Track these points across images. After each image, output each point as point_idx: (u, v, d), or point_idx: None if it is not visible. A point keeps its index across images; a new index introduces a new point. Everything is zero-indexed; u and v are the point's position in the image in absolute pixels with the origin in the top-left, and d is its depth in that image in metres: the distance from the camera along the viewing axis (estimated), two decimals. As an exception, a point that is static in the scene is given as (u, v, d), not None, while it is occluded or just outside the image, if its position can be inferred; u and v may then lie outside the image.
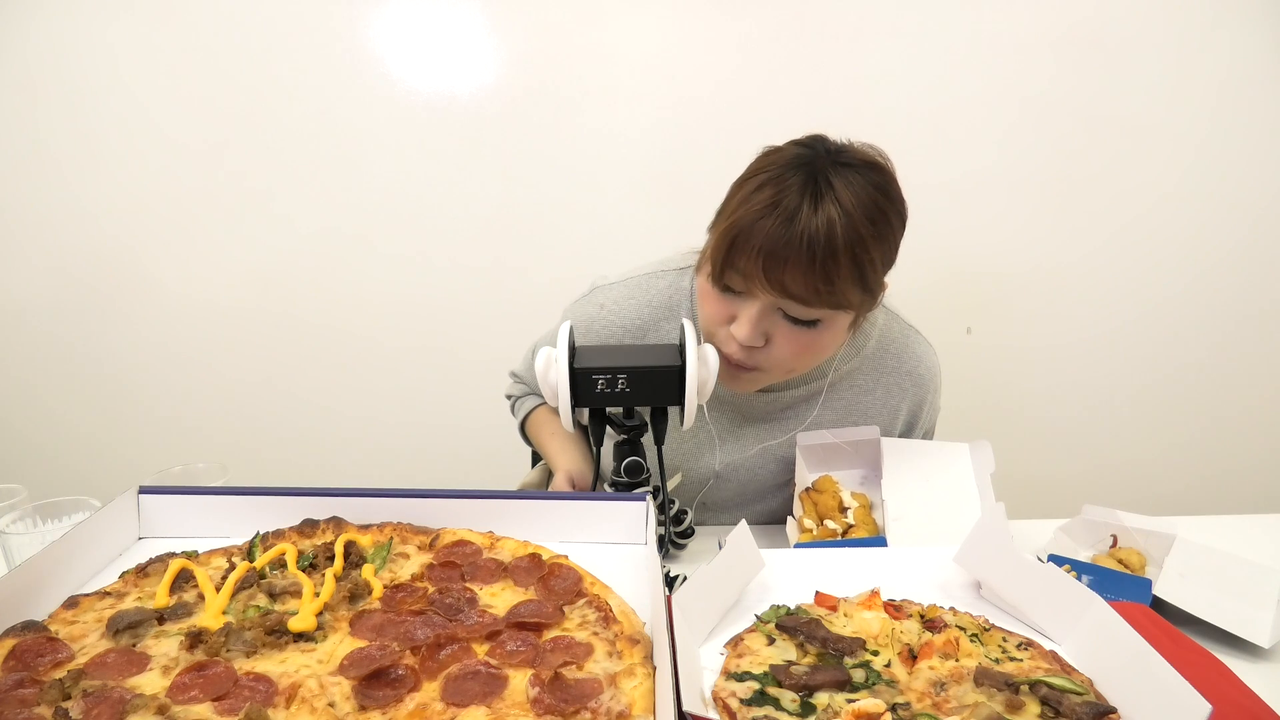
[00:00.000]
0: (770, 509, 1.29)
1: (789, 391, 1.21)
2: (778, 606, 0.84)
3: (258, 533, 0.92)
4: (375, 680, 0.69)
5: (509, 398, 1.43)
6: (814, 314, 0.99)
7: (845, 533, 1.09)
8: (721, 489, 1.28)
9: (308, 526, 0.93)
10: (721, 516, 1.30)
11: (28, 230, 1.97)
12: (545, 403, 1.33)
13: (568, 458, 1.20)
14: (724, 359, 1.06)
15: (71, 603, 0.80)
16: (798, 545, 1.06)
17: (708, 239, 1.06)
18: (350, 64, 1.88)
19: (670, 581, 0.95)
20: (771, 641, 0.79)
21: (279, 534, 0.92)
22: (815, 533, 1.10)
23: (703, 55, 1.83)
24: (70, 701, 0.65)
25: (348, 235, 1.99)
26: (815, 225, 0.92)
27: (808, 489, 1.16)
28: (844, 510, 1.12)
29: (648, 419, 1.03)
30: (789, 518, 1.14)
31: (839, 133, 2.00)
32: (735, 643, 0.79)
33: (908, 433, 1.28)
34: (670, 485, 1.08)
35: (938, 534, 1.01)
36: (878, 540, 1.05)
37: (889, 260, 1.02)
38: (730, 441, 1.26)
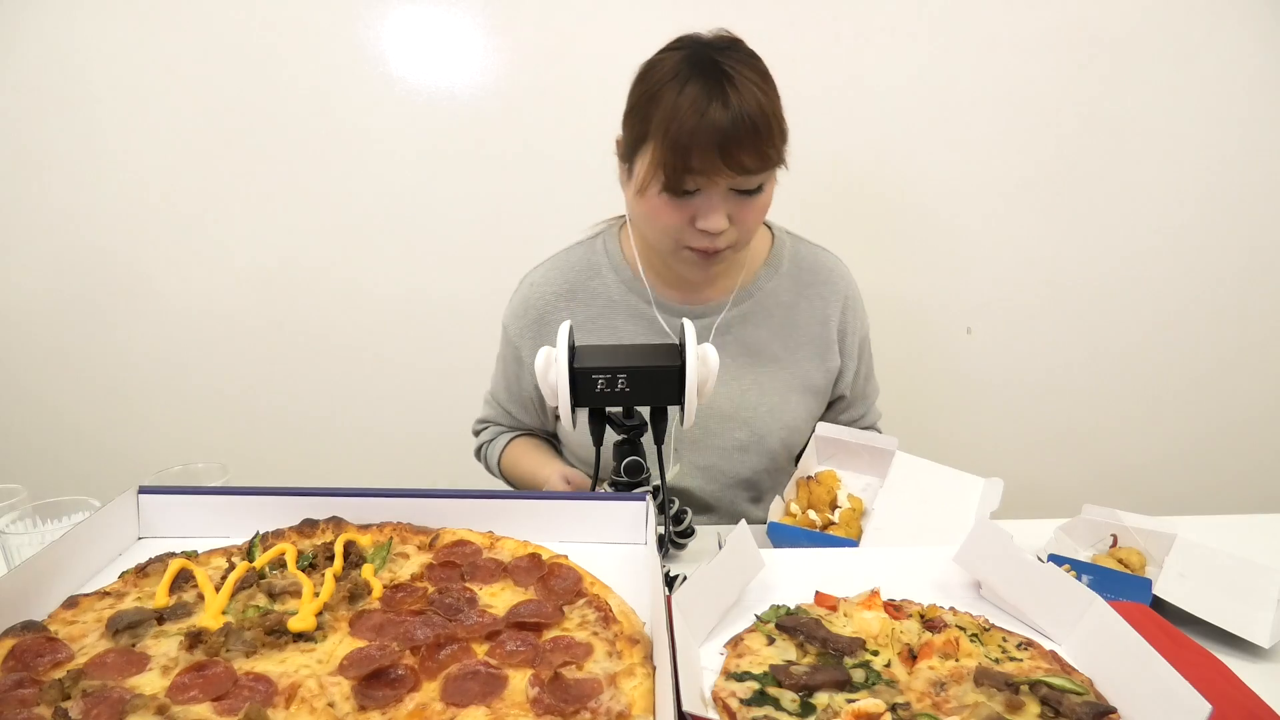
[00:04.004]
0: (736, 464, 1.29)
1: (722, 315, 1.28)
2: (778, 606, 0.84)
3: (257, 533, 0.92)
4: (375, 680, 0.69)
5: (478, 451, 1.45)
6: (760, 179, 1.11)
7: (825, 528, 1.10)
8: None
9: (307, 526, 0.93)
10: (688, 456, 1.29)
11: (27, 230, 1.97)
12: (517, 435, 1.38)
13: (552, 467, 1.24)
14: (696, 255, 1.15)
15: (71, 603, 0.80)
16: (770, 524, 1.08)
17: (636, 167, 1.13)
18: (350, 64, 1.87)
19: (670, 581, 0.95)
20: (771, 641, 0.79)
21: (279, 534, 0.92)
22: (797, 518, 1.11)
23: (703, 55, 1.83)
24: (70, 701, 0.65)
25: (347, 235, 1.99)
26: (746, 103, 1.04)
27: (809, 477, 1.17)
28: (834, 508, 1.13)
29: (648, 419, 1.03)
30: (777, 497, 1.15)
31: (841, 134, 2.00)
32: (735, 643, 0.79)
33: (842, 339, 1.33)
34: (670, 474, 1.08)
35: (904, 542, 1.03)
36: (849, 543, 1.05)
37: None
38: None
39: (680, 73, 1.07)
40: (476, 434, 1.47)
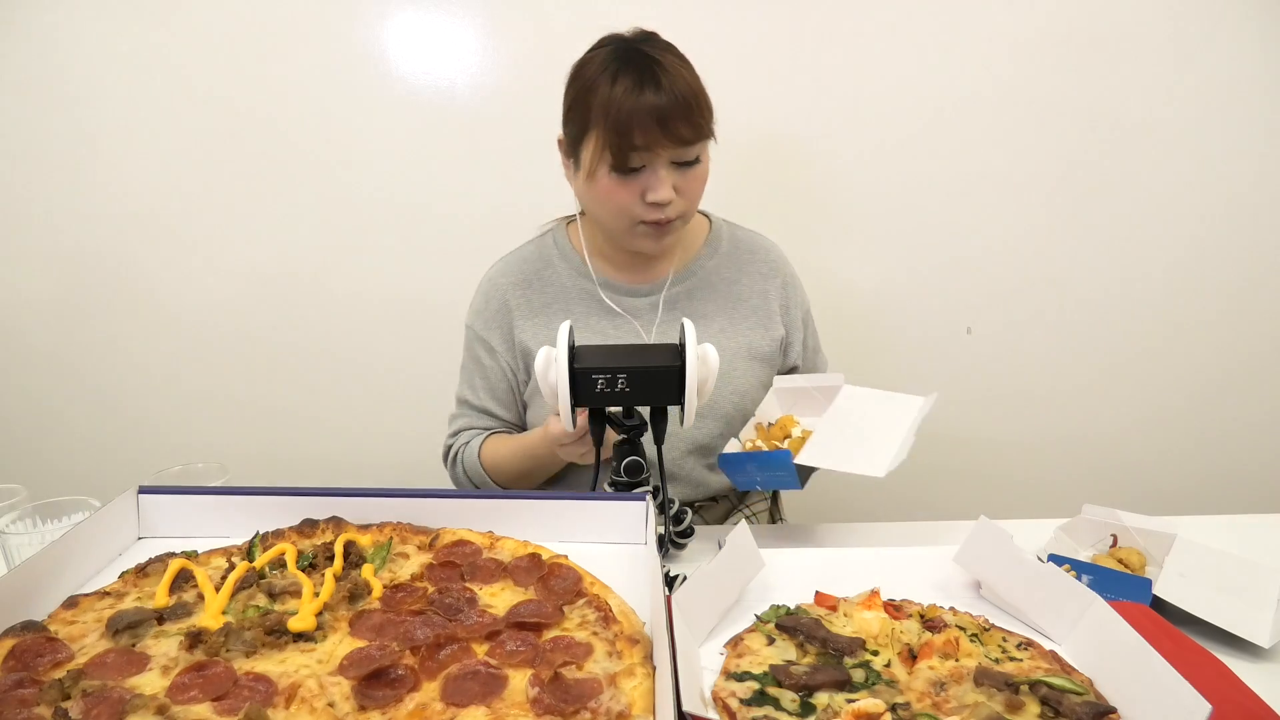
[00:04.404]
0: (691, 430, 1.32)
1: (673, 289, 1.36)
2: (778, 606, 0.84)
3: (257, 533, 0.92)
4: (375, 680, 0.69)
5: (453, 463, 1.39)
6: (697, 150, 1.21)
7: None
8: None
9: (307, 526, 0.93)
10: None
11: (27, 230, 1.96)
12: (489, 435, 1.36)
13: (536, 433, 1.24)
14: (650, 228, 1.24)
15: (71, 603, 0.80)
16: (721, 455, 1.13)
17: (583, 156, 1.22)
18: (350, 64, 1.87)
19: (670, 581, 0.95)
20: (771, 641, 0.79)
21: (279, 534, 0.92)
22: (745, 447, 1.19)
23: (703, 55, 1.83)
24: (70, 701, 0.65)
25: (347, 236, 1.99)
26: (675, 83, 1.17)
27: (770, 424, 1.24)
28: (786, 439, 1.19)
29: (648, 419, 1.03)
30: (734, 439, 1.19)
31: (840, 134, 2.00)
32: (735, 643, 0.79)
33: (785, 312, 1.41)
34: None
35: (838, 456, 1.08)
36: (783, 455, 1.09)
37: None
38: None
39: (609, 66, 1.18)
40: (447, 450, 1.42)
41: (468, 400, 1.41)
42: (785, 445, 1.16)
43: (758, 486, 1.13)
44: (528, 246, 1.43)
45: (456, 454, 1.39)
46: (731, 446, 1.16)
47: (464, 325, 1.42)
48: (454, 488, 1.40)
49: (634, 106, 1.15)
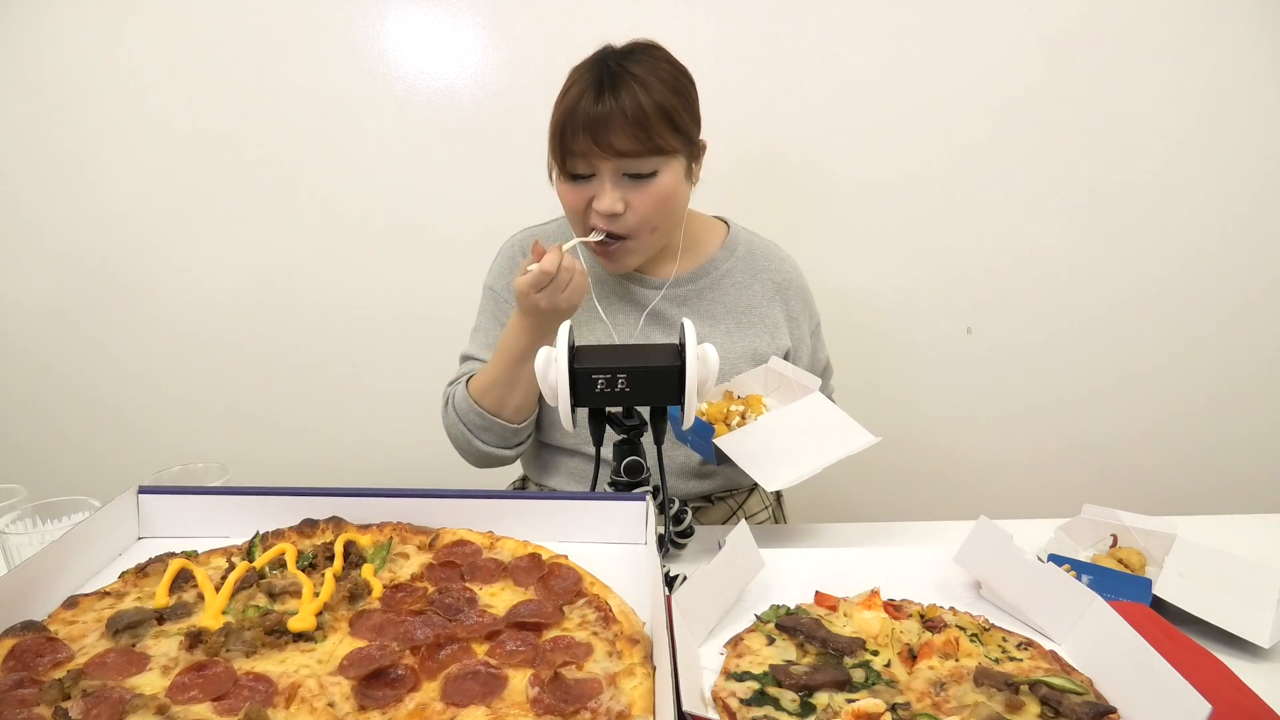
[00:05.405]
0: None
1: (681, 288, 1.36)
2: (778, 606, 0.84)
3: (257, 533, 0.92)
4: (375, 680, 0.69)
5: (446, 402, 1.36)
6: (649, 165, 1.18)
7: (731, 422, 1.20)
8: None
9: (307, 526, 0.93)
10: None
11: (27, 230, 1.96)
12: (479, 367, 1.35)
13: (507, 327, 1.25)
14: (599, 250, 1.25)
15: (71, 603, 0.80)
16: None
17: (551, 161, 1.24)
18: (349, 65, 1.87)
19: (670, 581, 0.95)
20: (771, 641, 0.79)
21: (279, 534, 0.92)
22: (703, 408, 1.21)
23: (704, 55, 1.83)
24: (70, 701, 0.65)
25: (348, 236, 1.99)
26: (620, 94, 1.15)
27: (740, 397, 1.26)
28: (744, 417, 1.21)
29: (648, 419, 1.03)
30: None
31: (840, 134, 2.00)
32: (735, 643, 0.79)
33: (793, 325, 1.40)
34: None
35: (748, 454, 1.11)
36: (708, 429, 1.14)
37: (692, 110, 1.24)
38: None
39: (581, 74, 1.20)
40: (446, 401, 1.37)
41: (474, 357, 1.39)
42: (734, 423, 1.19)
43: (686, 442, 1.22)
44: (552, 224, 1.44)
45: (449, 398, 1.35)
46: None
47: (483, 287, 1.44)
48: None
49: (574, 112, 1.17)
